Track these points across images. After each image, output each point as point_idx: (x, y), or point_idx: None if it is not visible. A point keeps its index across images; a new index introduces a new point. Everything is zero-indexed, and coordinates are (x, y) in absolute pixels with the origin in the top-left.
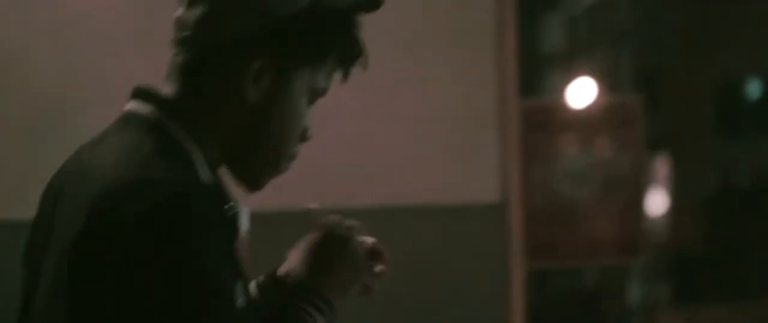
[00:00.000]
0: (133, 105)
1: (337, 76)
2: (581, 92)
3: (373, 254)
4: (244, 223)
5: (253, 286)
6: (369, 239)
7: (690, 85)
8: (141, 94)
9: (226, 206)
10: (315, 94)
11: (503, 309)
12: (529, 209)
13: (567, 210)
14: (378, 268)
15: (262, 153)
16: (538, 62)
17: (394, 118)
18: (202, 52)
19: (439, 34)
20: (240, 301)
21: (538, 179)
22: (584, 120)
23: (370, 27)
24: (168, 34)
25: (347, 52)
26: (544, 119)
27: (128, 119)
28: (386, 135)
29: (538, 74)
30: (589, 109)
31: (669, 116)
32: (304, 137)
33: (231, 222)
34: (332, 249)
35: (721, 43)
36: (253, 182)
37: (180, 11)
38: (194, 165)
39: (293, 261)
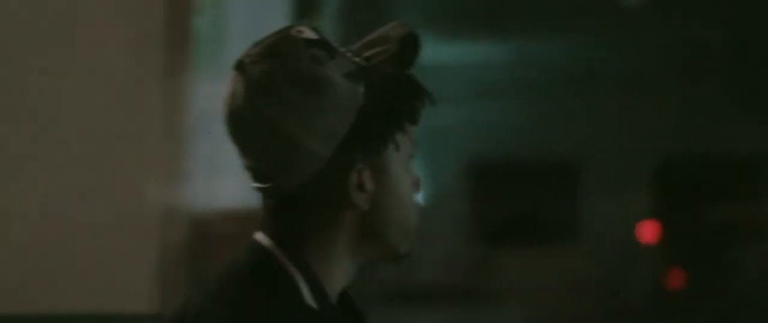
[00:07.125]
0: (257, 235)
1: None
2: None
3: None
4: None
5: None
6: None
7: None
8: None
9: None
10: (413, 148)
11: None
12: None
13: None
14: None
15: (393, 233)
16: None
17: None
18: (290, 193)
19: None
20: None
21: None
22: None
23: None
24: None
25: (416, 106)
26: None
27: (246, 249)
28: None
29: None
30: None
31: None
32: (417, 187)
33: None
34: None
35: None
36: (398, 257)
37: (244, 162)
38: (297, 289)
39: None
